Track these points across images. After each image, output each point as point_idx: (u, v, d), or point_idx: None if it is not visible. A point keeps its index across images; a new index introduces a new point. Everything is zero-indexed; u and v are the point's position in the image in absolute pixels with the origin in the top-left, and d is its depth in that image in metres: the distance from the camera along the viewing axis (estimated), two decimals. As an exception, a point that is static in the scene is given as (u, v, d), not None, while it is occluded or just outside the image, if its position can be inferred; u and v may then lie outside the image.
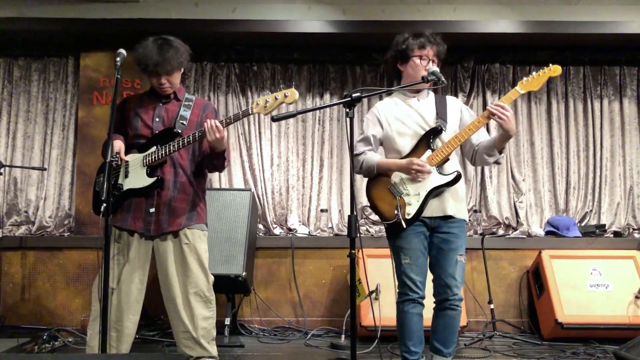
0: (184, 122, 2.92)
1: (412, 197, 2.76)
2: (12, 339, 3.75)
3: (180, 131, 2.88)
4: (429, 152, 2.79)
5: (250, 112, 2.74)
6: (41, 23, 4.62)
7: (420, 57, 2.82)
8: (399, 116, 2.89)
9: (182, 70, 2.99)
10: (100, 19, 4.57)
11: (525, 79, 2.76)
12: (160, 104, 2.98)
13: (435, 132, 2.82)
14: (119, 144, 2.87)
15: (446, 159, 2.80)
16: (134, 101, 3.04)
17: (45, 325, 4.36)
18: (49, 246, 4.59)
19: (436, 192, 2.78)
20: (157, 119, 2.94)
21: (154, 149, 2.87)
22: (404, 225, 2.74)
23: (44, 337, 3.85)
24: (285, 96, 2.66)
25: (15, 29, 4.64)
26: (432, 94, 2.98)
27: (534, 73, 2.75)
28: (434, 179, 2.77)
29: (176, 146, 2.81)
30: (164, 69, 2.84)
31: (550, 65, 2.75)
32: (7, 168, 4.80)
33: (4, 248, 4.55)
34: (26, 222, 4.87)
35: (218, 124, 2.73)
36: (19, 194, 4.92)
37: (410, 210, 2.75)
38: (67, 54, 5.03)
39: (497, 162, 2.88)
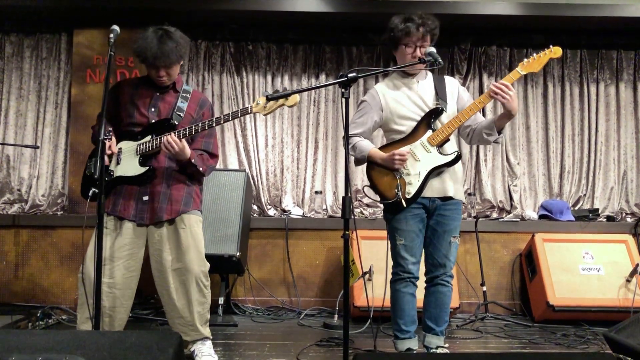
0: (181, 114, 2.89)
1: (413, 177, 2.77)
2: (6, 316, 3.74)
3: (177, 123, 2.86)
4: (429, 133, 2.80)
5: (249, 112, 2.75)
6: (33, -1, 4.55)
7: (407, 45, 2.80)
8: (398, 98, 2.88)
9: (182, 62, 2.94)
10: (94, -5, 4.51)
11: (526, 60, 2.75)
12: (157, 94, 2.93)
13: (436, 113, 2.83)
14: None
15: (446, 139, 2.80)
16: (129, 87, 2.97)
17: (38, 303, 4.36)
18: (42, 225, 4.57)
19: (436, 172, 2.79)
20: (153, 109, 2.90)
21: (148, 138, 2.84)
22: (404, 205, 2.75)
23: (38, 314, 3.86)
24: (286, 99, 2.68)
25: (7, 4, 4.55)
26: (430, 74, 2.96)
27: (534, 54, 2.74)
28: (435, 159, 2.78)
29: None
30: (163, 63, 2.78)
31: (551, 46, 2.75)
32: (-1, 146, 4.79)
33: (-3, 226, 4.54)
34: (19, 201, 4.85)
35: (171, 140, 2.71)
36: (12, 172, 4.89)
37: (411, 190, 2.76)
38: (60, 30, 4.96)
39: (496, 142, 2.87)
